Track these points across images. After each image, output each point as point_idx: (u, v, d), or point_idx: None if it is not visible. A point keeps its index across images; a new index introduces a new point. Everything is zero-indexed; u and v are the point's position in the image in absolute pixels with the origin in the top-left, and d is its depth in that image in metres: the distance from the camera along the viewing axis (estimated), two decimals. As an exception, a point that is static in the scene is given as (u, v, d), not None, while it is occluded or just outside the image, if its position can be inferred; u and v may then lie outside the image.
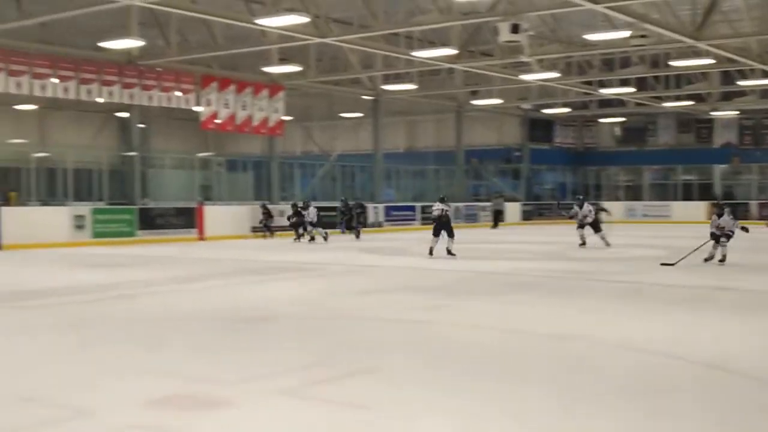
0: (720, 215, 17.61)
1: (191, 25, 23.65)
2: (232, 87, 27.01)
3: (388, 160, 35.47)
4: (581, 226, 21.57)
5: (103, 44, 21.81)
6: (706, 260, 16.24)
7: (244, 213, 27.96)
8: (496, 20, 19.34)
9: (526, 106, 38.77)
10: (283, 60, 26.34)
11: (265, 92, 28.07)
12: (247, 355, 7.56)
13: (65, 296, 12.15)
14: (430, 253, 18.11)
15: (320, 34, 21.62)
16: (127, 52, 23.73)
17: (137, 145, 27.77)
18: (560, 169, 44.37)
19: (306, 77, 28.32)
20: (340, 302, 11.31)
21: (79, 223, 23.14)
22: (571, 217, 22.25)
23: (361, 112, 37.20)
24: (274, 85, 28.40)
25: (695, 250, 16.34)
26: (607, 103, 38.90)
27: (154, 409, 5.62)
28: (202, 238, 25.94)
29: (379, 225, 32.26)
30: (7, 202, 23.86)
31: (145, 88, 24.47)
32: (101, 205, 25.36)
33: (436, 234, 18.38)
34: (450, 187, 37.03)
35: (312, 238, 24.51)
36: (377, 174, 34.21)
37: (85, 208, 23.93)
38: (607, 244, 20.98)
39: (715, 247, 16.40)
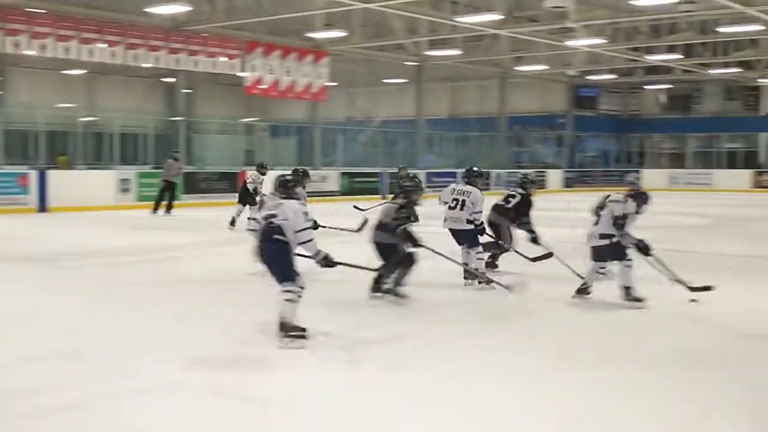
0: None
1: (236, -10, 23.76)
2: (276, 53, 27.09)
3: (431, 126, 35.36)
4: None
5: (149, 10, 22.05)
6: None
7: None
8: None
9: (571, 72, 38.25)
10: (328, 26, 26.39)
11: (309, 58, 28.12)
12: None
13: (109, 257, 12.38)
14: None
15: (365, 0, 21.60)
16: (173, 18, 23.91)
17: (183, 110, 28.10)
18: (604, 137, 43.86)
19: (350, 43, 28.28)
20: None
21: (124, 187, 23.43)
22: None
23: (404, 78, 37.09)
24: (319, 50, 28.42)
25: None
26: (652, 69, 38.17)
27: (189, 370, 5.90)
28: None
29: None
30: (56, 166, 24.29)
31: (191, 53, 24.66)
32: (147, 169, 25.71)
33: None
34: (492, 153, 36.93)
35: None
36: (419, 140, 34.10)
37: (130, 172, 24.24)
38: None
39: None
